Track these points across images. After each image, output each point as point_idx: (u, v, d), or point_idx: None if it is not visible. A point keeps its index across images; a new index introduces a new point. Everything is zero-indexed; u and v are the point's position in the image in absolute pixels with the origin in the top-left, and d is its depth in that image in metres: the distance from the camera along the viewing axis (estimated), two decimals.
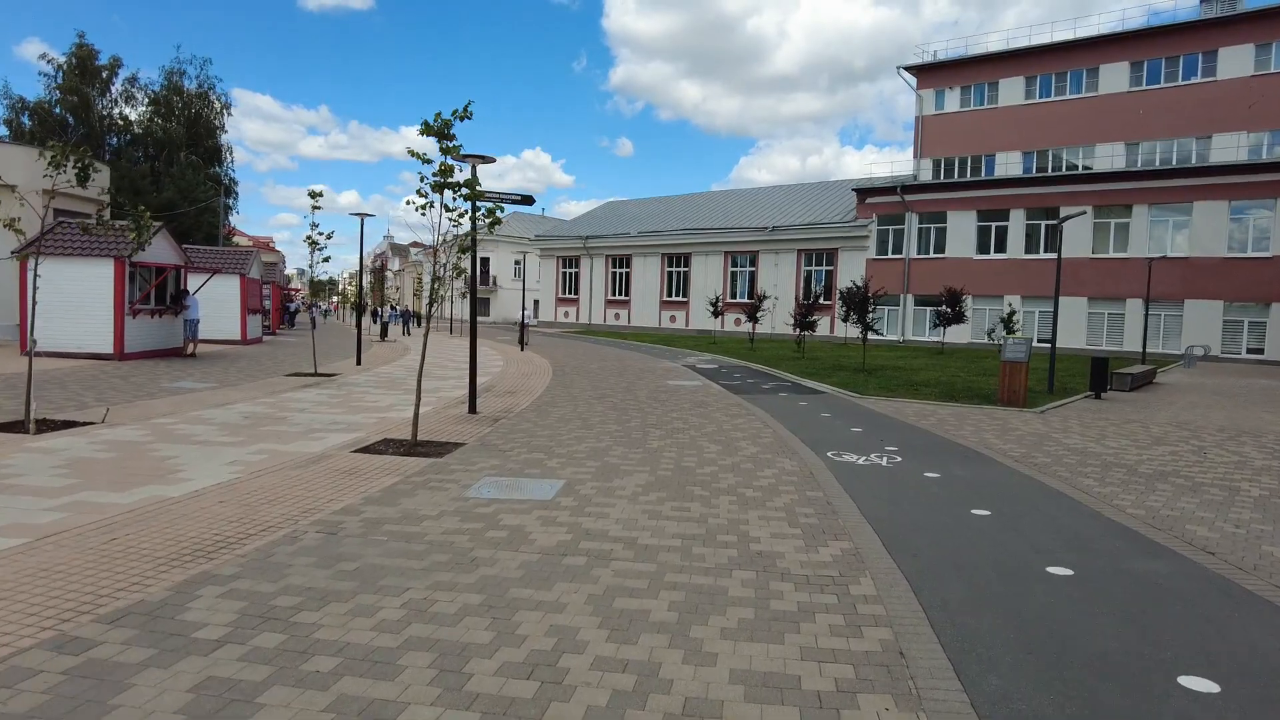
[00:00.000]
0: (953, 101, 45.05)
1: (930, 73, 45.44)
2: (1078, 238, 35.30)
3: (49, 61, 47.57)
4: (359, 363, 21.44)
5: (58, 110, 47.17)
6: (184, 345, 21.44)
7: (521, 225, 76.86)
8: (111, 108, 50.38)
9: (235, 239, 63.44)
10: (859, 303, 21.70)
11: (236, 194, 55.35)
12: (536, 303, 61.49)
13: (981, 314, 37.93)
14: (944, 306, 32.69)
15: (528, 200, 12.91)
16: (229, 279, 26.98)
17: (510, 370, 21.19)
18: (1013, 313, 22.34)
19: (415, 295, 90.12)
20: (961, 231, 39.59)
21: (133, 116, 51.02)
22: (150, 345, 20.25)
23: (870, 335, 23.64)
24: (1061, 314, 36.03)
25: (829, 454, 9.60)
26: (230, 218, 58.77)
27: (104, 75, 49.59)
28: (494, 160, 12.47)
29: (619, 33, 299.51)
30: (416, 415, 9.74)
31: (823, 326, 37.81)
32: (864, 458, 9.46)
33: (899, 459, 9.47)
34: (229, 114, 53.03)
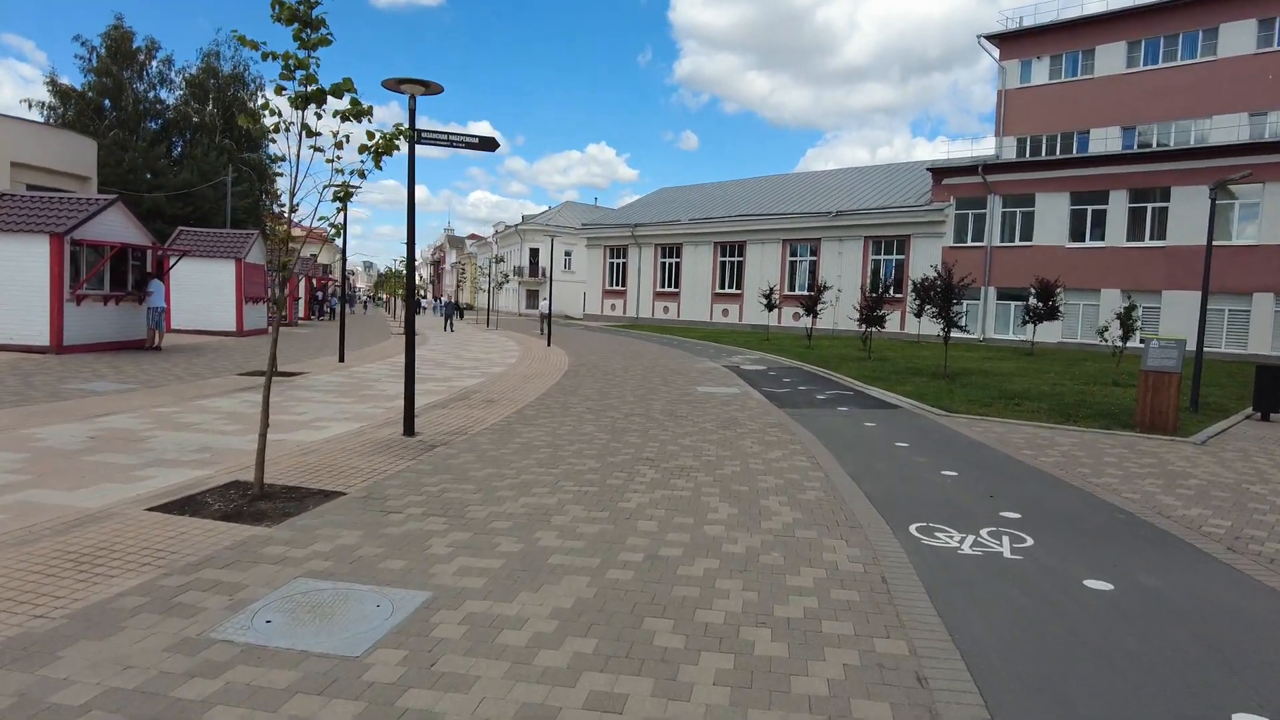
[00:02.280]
0: (1040, 73, 40.15)
1: (1015, 41, 40.58)
2: (1191, 222, 30.42)
3: (83, 44, 46.18)
4: (341, 359, 18.38)
5: (90, 94, 45.76)
6: (148, 337, 18.69)
7: (573, 214, 73.79)
8: (148, 91, 48.95)
9: (277, 228, 61.88)
10: (942, 294, 17.71)
11: (273, 179, 53.39)
12: (585, 295, 58.32)
13: (1074, 310, 33.19)
14: (1035, 301, 28.22)
15: (488, 144, 9.46)
16: (222, 264, 24.30)
17: (517, 370, 17.87)
18: (1132, 307, 18.06)
19: (459, 287, 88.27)
20: (1052, 216, 34.79)
21: (170, 100, 49.55)
22: (103, 337, 17.50)
23: (940, 333, 19.45)
24: (1169, 311, 31.16)
25: (913, 529, 5.90)
26: (274, 206, 57.16)
27: (140, 58, 48.16)
28: (440, 90, 9.09)
29: (686, 25, 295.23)
30: (261, 455, 6.38)
31: (891, 322, 33.61)
32: (970, 538, 5.73)
33: (1027, 540, 5.72)
34: (263, 96, 50.96)
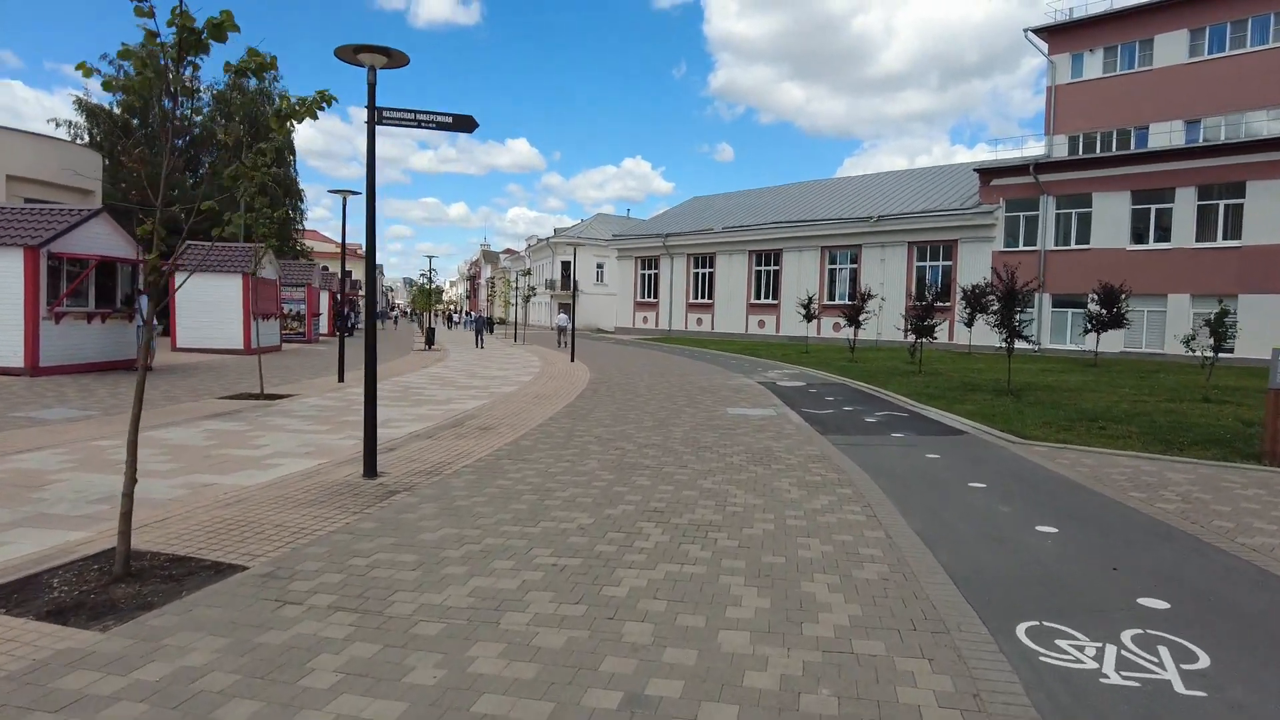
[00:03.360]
0: (1094, 66, 37.77)
1: (1065, 34, 38.25)
2: (1269, 219, 27.97)
3: (111, 63, 45.96)
4: (340, 379, 16.92)
5: (118, 112, 45.59)
6: (138, 357, 17.43)
7: (604, 226, 72.43)
8: (176, 108, 48.75)
9: (307, 243, 61.79)
10: (1005, 299, 15.64)
11: (303, 195, 52.86)
12: (617, 307, 56.78)
13: (1137, 316, 30.65)
14: (1097, 308, 26.01)
15: (464, 124, 7.85)
16: (229, 279, 23.15)
17: (530, 389, 16.26)
18: (1225, 312, 15.81)
19: (490, 302, 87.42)
20: (1111, 217, 32.39)
21: (198, 117, 49.29)
22: (86, 357, 16.29)
23: (1002, 343, 17.18)
24: (1246, 317, 28.25)
25: (1022, 632, 4.09)
26: (304, 222, 57.07)
27: (168, 76, 47.93)
28: (405, 60, 7.54)
29: (720, 37, 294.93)
30: (126, 521, 4.78)
31: (939, 333, 31.47)
32: (1111, 651, 3.90)
33: (1199, 658, 3.88)
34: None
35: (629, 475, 7.77)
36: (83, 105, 45.04)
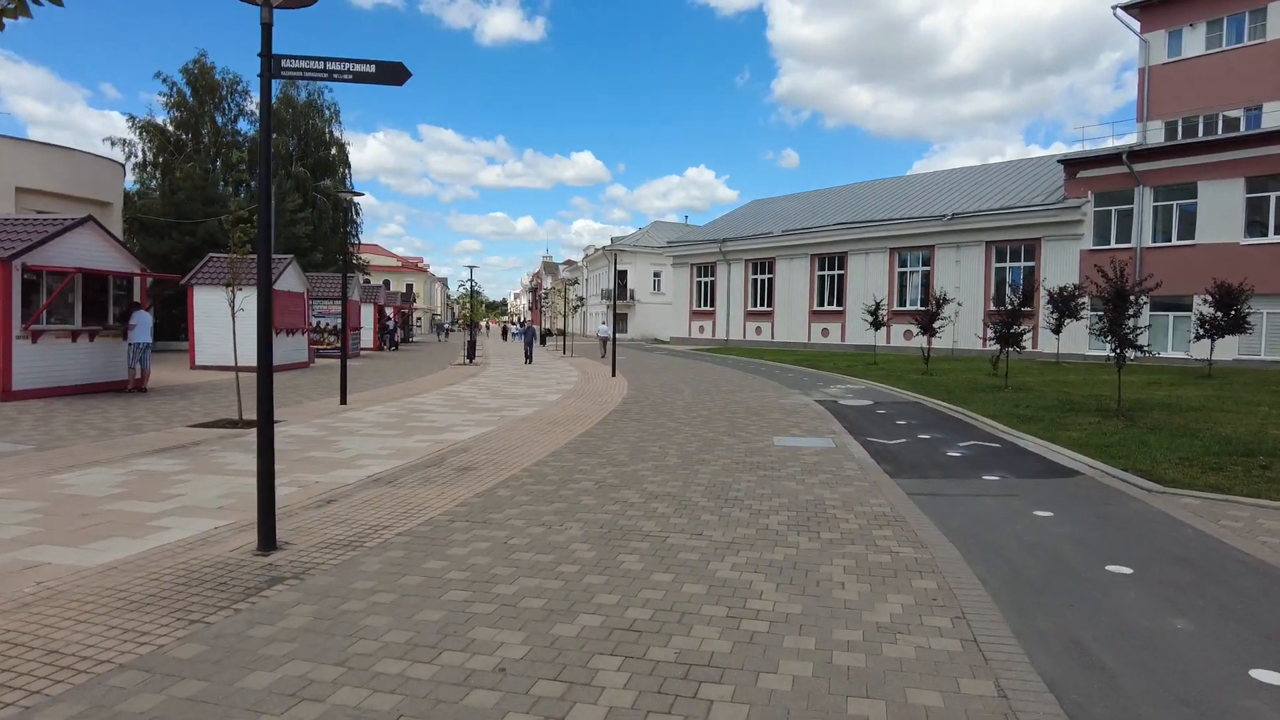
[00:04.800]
0: (1194, 43, 34.06)
1: (1160, 9, 34.61)
2: None
3: (165, 80, 46.12)
4: (343, 401, 15.17)
5: (171, 129, 45.64)
6: (129, 378, 16.06)
7: (661, 234, 70.37)
8: (228, 124, 48.78)
9: (364, 257, 61.45)
10: (1114, 301, 12.86)
11: (357, 208, 52.25)
12: (673, 317, 54.58)
13: (1257, 319, 26.94)
14: (1211, 310, 22.71)
15: (390, 73, 5.79)
16: (248, 292, 21.76)
17: (550, 412, 14.23)
18: None
19: (542, 312, 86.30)
20: (1220, 207, 28.79)
21: (250, 131, 49.22)
22: (70, 379, 14.93)
23: (1110, 354, 14.14)
24: None
25: None
26: (360, 235, 56.67)
27: (221, 92, 47.98)
28: None
29: (783, 43, 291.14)
30: None
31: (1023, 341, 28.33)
32: None
33: None
34: (339, 123, 50.06)
35: (616, 552, 5.58)
36: (135, 122, 45.18)
